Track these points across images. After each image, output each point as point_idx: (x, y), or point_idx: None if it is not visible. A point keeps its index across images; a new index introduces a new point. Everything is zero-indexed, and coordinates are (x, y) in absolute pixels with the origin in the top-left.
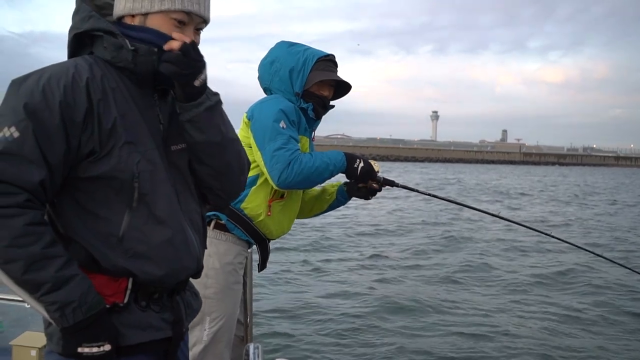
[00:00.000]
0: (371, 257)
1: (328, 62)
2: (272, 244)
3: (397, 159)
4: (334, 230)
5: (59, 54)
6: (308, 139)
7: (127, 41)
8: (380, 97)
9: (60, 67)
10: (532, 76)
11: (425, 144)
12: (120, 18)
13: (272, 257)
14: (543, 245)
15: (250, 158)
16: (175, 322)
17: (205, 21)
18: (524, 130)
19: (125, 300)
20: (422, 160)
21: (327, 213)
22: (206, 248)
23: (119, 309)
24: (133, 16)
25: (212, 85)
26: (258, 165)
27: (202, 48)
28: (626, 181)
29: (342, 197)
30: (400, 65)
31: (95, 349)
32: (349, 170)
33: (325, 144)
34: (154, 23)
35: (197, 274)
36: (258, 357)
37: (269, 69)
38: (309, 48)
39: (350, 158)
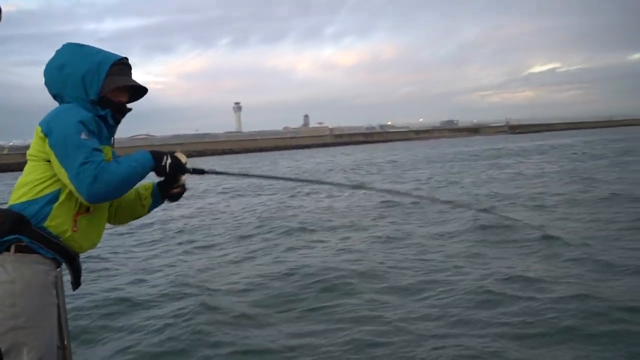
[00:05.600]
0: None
1: (122, 65)
2: None
3: (213, 153)
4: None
5: None
6: (110, 148)
7: None
8: (181, 92)
9: None
10: (328, 61)
11: (231, 135)
12: None
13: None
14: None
15: (49, 173)
16: None
17: None
18: (324, 113)
19: None
20: (239, 152)
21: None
22: None
23: None
24: None
25: None
26: (58, 180)
27: None
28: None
29: (157, 198)
30: (199, 59)
31: None
32: (158, 169)
33: (129, 146)
34: None
35: None
36: None
37: (58, 74)
38: (100, 51)
39: (157, 156)
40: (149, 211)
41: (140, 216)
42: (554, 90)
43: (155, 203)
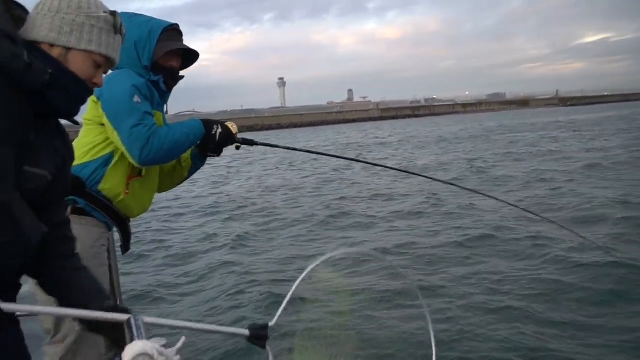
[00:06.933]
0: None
1: (173, 32)
2: None
3: (261, 128)
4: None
5: None
6: (162, 114)
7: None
8: (226, 69)
9: None
10: (372, 36)
11: (276, 111)
12: (36, 42)
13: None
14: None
15: (103, 137)
16: None
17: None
18: (368, 87)
19: None
20: (286, 127)
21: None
22: None
23: None
24: (52, 46)
25: None
26: (111, 143)
27: None
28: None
29: (197, 159)
30: (244, 36)
31: None
32: (207, 137)
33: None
34: (75, 59)
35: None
36: (140, 328)
37: None
38: (152, 19)
39: (208, 124)
40: (189, 175)
41: (182, 180)
42: (605, 60)
43: (196, 165)
